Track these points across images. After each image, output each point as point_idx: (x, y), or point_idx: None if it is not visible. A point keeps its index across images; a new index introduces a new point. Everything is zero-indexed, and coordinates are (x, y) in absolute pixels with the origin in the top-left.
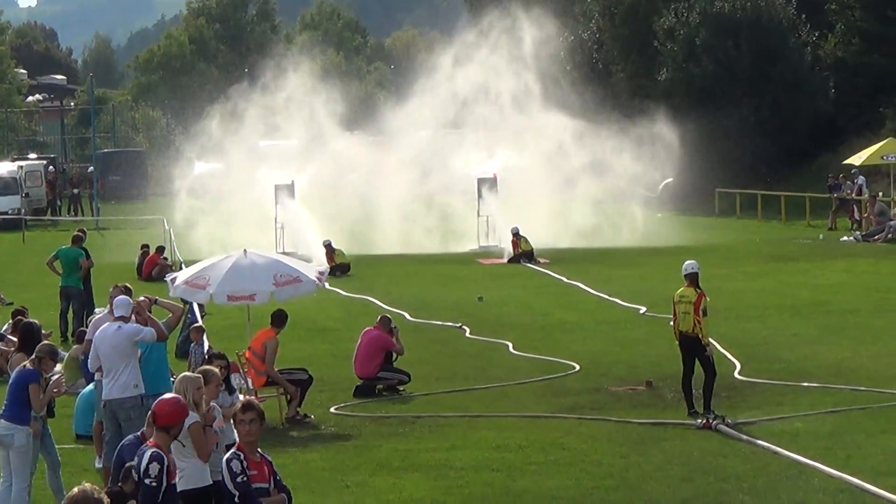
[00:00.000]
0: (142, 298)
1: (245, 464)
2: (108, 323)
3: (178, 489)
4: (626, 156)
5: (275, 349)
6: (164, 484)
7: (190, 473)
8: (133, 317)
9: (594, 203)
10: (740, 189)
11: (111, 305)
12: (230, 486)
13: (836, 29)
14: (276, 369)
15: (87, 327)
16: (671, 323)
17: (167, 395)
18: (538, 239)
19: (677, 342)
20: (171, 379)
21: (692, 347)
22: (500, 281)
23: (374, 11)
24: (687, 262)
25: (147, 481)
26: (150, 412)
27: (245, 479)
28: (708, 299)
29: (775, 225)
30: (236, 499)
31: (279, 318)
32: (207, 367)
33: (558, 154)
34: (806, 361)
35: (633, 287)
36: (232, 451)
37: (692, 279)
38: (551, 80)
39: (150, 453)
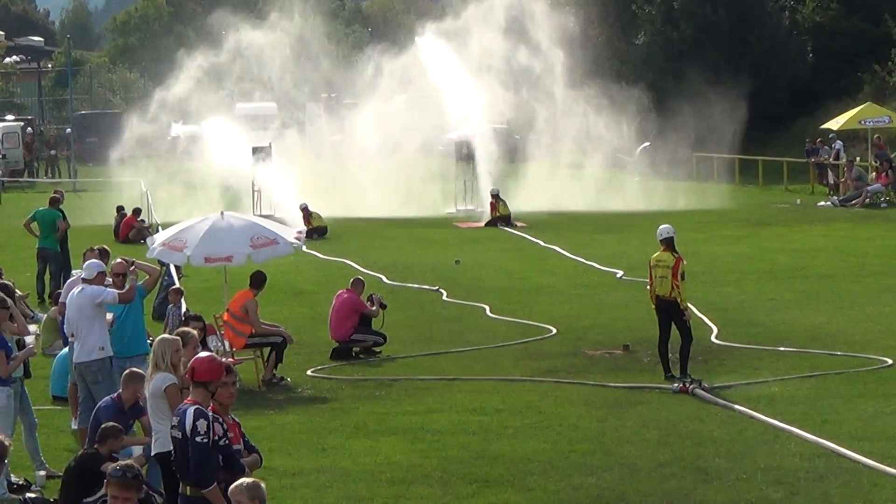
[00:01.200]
0: (118, 260)
1: (225, 427)
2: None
3: (154, 452)
4: (604, 120)
5: (256, 309)
6: (212, 440)
7: (166, 436)
8: (112, 279)
9: (571, 167)
10: (718, 153)
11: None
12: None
13: None
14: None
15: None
16: (647, 287)
17: (203, 353)
18: (515, 203)
19: (653, 306)
20: (149, 340)
21: (669, 311)
22: (477, 244)
23: None
24: (662, 227)
25: (198, 439)
26: (189, 367)
27: (227, 441)
28: (685, 263)
29: (753, 189)
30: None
31: (258, 280)
32: (186, 329)
33: (534, 118)
34: (783, 326)
35: (610, 251)
36: (206, 413)
37: (668, 243)
38: (528, 43)
39: (193, 410)
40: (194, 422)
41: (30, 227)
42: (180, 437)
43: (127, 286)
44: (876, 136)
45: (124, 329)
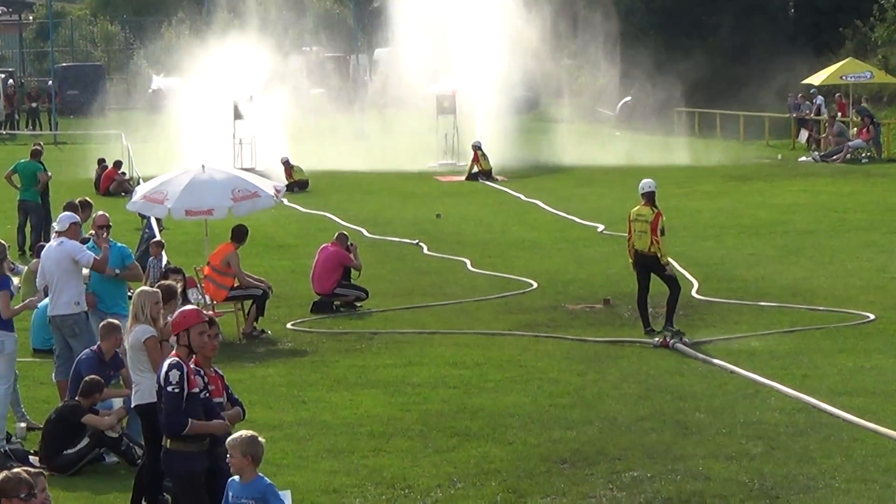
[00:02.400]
0: (100, 213)
1: (206, 379)
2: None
3: (134, 404)
4: (585, 74)
5: (238, 261)
6: (186, 390)
7: (145, 388)
8: (94, 231)
9: (553, 121)
10: (699, 108)
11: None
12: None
13: None
14: (234, 283)
15: (45, 241)
16: (628, 241)
17: (188, 307)
18: (497, 157)
19: (631, 261)
20: (129, 293)
21: (648, 266)
22: (458, 198)
23: None
24: (644, 181)
25: (169, 388)
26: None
27: (207, 394)
28: (664, 218)
29: (733, 144)
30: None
31: (240, 234)
32: (167, 282)
33: (516, 73)
34: (763, 281)
35: (591, 205)
36: (181, 365)
37: (649, 198)
38: None
39: (168, 362)
40: (167, 372)
41: (10, 179)
42: (158, 389)
43: (101, 254)
44: (837, 94)
45: (105, 284)
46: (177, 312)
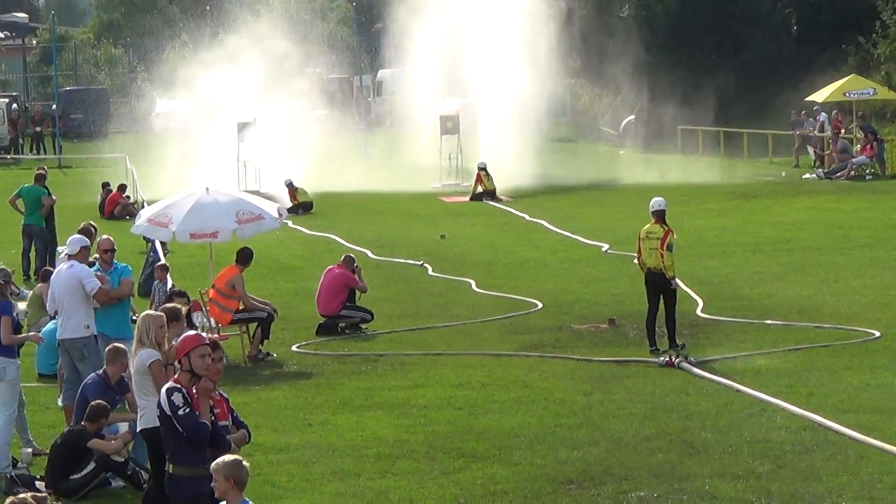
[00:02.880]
0: (105, 237)
1: (212, 403)
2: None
3: (139, 428)
4: (589, 93)
5: (243, 284)
6: (193, 408)
7: (151, 412)
8: (98, 255)
9: (557, 141)
10: (703, 126)
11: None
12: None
13: None
14: (239, 307)
15: (50, 265)
16: (635, 260)
17: (189, 332)
18: (501, 177)
19: (643, 279)
20: (133, 317)
21: (659, 284)
22: (462, 219)
23: None
24: (654, 199)
25: (180, 412)
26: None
27: (213, 417)
28: (675, 236)
29: (738, 162)
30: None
31: (245, 256)
32: (171, 305)
33: (521, 92)
34: (768, 299)
35: (595, 225)
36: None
37: (659, 216)
38: (513, 18)
39: (164, 389)
40: (169, 398)
41: (15, 203)
42: (160, 415)
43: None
44: (835, 111)
45: (112, 309)
46: (179, 338)
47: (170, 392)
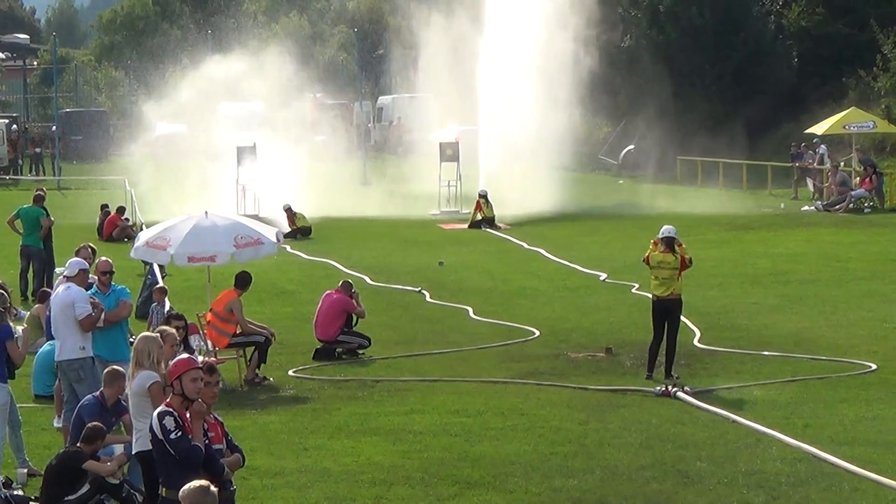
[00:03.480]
0: (103, 259)
1: (206, 427)
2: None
3: (135, 450)
4: (588, 123)
5: (241, 308)
6: (185, 432)
7: (146, 434)
8: (97, 277)
9: (556, 170)
10: (702, 157)
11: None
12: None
13: None
14: (237, 330)
15: (48, 286)
16: (632, 290)
17: (182, 355)
18: (500, 205)
19: (651, 309)
20: (131, 339)
21: (667, 312)
22: (460, 246)
23: None
24: (664, 227)
25: (172, 437)
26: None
27: (207, 440)
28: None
29: (737, 193)
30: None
31: (243, 281)
32: (164, 327)
33: (518, 121)
34: (765, 330)
35: (593, 254)
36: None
37: (669, 243)
38: (514, 45)
39: (156, 414)
40: (161, 422)
41: (13, 224)
42: (152, 439)
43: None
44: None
45: (109, 334)
46: (171, 361)
47: (161, 416)
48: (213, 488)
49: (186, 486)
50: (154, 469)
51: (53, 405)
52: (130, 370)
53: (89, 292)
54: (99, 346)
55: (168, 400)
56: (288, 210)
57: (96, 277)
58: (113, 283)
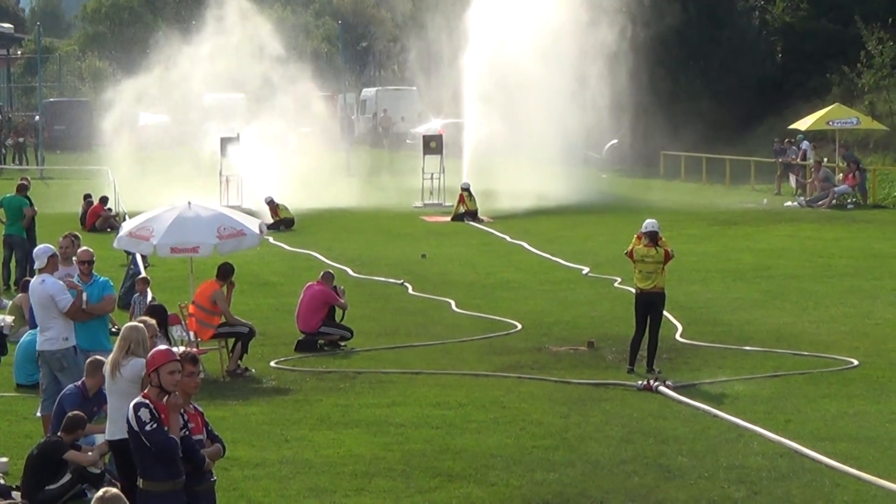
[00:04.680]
0: (83, 248)
1: (186, 417)
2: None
3: (109, 438)
4: (572, 117)
5: (224, 298)
6: (161, 424)
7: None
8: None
9: (539, 163)
10: (686, 152)
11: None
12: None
13: None
14: (220, 321)
15: (30, 276)
16: (615, 284)
17: (161, 346)
18: (482, 197)
19: (634, 302)
20: (114, 329)
21: (650, 306)
22: (443, 239)
23: None
24: (647, 221)
25: (147, 428)
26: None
27: (188, 432)
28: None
29: (720, 188)
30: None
31: (225, 272)
32: (144, 318)
33: (503, 113)
34: (748, 325)
35: (576, 248)
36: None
37: (652, 237)
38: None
39: (132, 405)
40: (136, 414)
41: None
42: (128, 430)
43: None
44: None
45: (89, 324)
46: (150, 353)
47: (137, 407)
48: (125, 499)
49: (97, 496)
50: (130, 459)
51: (37, 394)
52: (117, 356)
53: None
54: (79, 336)
55: (145, 391)
56: (270, 202)
57: (77, 268)
58: (95, 273)
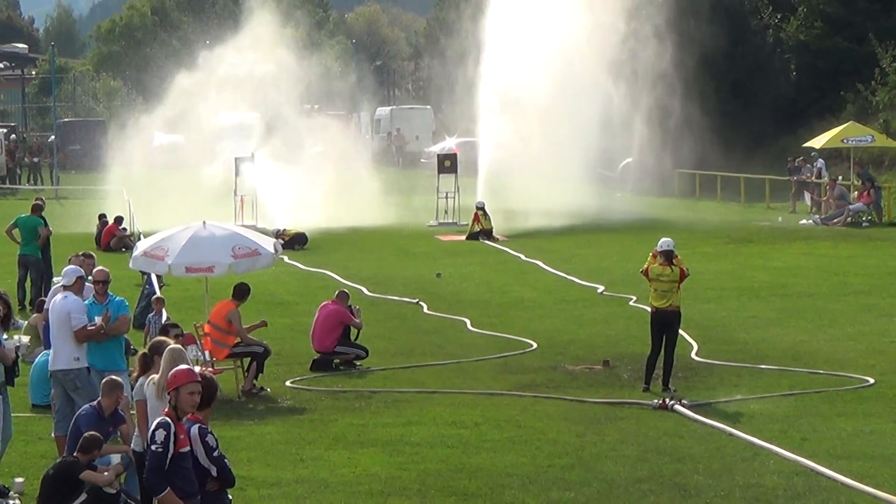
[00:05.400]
0: (99, 268)
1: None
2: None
3: (139, 450)
4: (587, 135)
5: (239, 318)
6: (171, 451)
7: None
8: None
9: (554, 182)
10: (700, 170)
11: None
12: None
13: (799, 12)
14: (237, 340)
15: (45, 296)
16: (630, 302)
17: (182, 367)
18: (496, 216)
19: (649, 320)
20: (133, 348)
21: (668, 322)
22: (458, 258)
23: None
24: (663, 240)
25: (153, 447)
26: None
27: (220, 453)
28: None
29: (734, 207)
30: (214, 473)
31: (241, 292)
32: (162, 338)
33: (518, 132)
34: (763, 344)
35: (591, 266)
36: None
37: (668, 256)
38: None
39: (156, 422)
40: (153, 431)
41: (11, 233)
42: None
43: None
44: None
45: (104, 344)
46: (170, 371)
47: (158, 425)
48: None
49: None
50: None
51: (52, 414)
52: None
53: (86, 303)
54: (95, 356)
55: (166, 410)
56: (277, 232)
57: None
58: (110, 292)
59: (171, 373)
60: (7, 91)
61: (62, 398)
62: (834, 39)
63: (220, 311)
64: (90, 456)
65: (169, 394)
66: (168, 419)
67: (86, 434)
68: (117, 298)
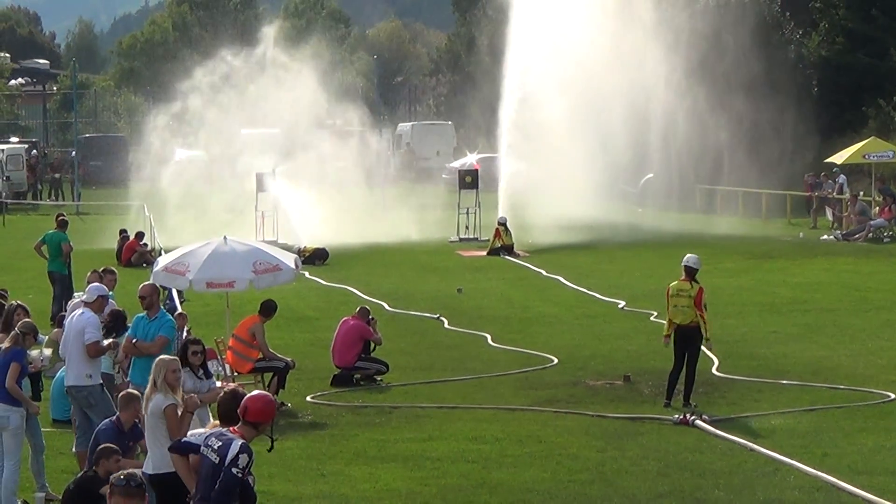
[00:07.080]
0: (144, 284)
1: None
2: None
3: (149, 473)
4: (608, 151)
5: (263, 332)
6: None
7: (161, 457)
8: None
9: (575, 198)
10: (721, 186)
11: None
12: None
13: (821, 27)
14: (259, 356)
15: (66, 311)
16: (651, 318)
17: (258, 392)
18: (517, 232)
19: (671, 336)
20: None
21: (689, 338)
22: (479, 273)
23: (357, 1)
24: (688, 256)
25: (234, 470)
26: (242, 405)
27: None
28: (705, 303)
29: (755, 222)
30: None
31: (268, 309)
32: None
33: (539, 148)
34: (784, 359)
35: (612, 282)
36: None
37: (690, 273)
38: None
39: (240, 444)
40: (238, 454)
41: (40, 249)
42: (216, 462)
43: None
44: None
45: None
46: (256, 399)
47: (243, 449)
48: None
49: None
50: (166, 493)
51: (72, 429)
52: (147, 392)
53: (137, 316)
54: (135, 373)
55: (244, 433)
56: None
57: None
58: (163, 309)
59: (261, 402)
60: (29, 107)
61: (82, 414)
62: (855, 55)
63: (245, 324)
64: (106, 467)
65: (258, 423)
66: (248, 445)
67: (100, 446)
68: (167, 317)
